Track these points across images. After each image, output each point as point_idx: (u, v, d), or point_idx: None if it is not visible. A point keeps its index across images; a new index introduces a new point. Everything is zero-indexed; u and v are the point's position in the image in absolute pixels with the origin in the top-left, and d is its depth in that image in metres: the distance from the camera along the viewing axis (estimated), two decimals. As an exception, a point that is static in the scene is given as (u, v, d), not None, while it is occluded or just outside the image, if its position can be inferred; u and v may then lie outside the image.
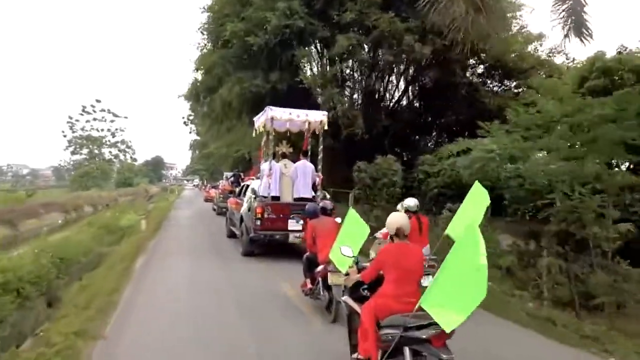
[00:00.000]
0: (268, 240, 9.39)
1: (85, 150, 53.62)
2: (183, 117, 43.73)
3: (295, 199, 9.97)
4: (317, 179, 9.92)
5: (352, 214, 5.17)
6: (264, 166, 9.95)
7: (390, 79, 19.39)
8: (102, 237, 13.90)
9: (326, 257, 5.30)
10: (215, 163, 41.01)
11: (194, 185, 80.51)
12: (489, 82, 19.02)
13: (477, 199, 4.80)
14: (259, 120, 10.30)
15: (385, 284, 3.82)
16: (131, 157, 60.86)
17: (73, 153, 54.27)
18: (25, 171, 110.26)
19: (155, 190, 55.91)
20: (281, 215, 9.41)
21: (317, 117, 9.82)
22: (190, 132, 46.30)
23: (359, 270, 4.33)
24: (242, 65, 16.79)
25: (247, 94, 16.06)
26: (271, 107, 9.59)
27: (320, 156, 10.09)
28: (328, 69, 16.98)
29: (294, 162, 10.46)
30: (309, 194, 10.07)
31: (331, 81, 15.93)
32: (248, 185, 11.49)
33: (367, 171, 13.63)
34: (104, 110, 54.37)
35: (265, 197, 9.60)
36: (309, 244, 6.33)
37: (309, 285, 6.24)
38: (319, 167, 10.02)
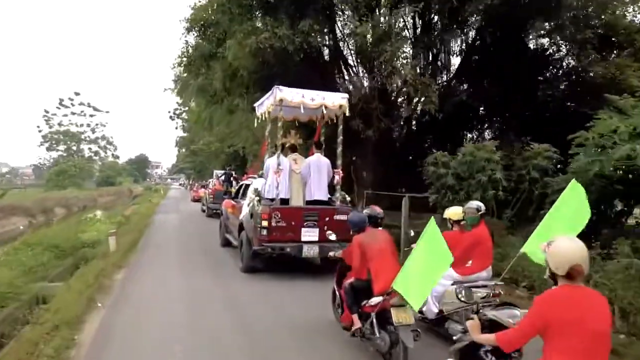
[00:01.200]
0: (276, 254, 7.47)
1: (62, 147, 50.72)
2: (169, 112, 41.62)
3: (307, 202, 8.08)
4: (337, 177, 8.01)
5: (434, 230, 3.38)
6: (270, 161, 8.03)
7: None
8: (46, 262, 9.96)
9: (386, 286, 3.93)
10: (204, 161, 38.65)
11: (180, 184, 77.97)
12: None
13: (573, 205, 3.45)
14: (263, 105, 8.35)
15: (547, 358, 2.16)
16: (113, 155, 58.13)
17: (49, 149, 51.37)
18: (5, 169, 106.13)
19: (140, 190, 53.33)
20: (293, 223, 7.50)
21: (336, 101, 7.90)
22: (176, 128, 44.18)
23: (488, 324, 2.57)
24: (256, 7, 11.78)
25: (265, 53, 10.53)
26: (279, 86, 7.66)
27: (339, 149, 8.19)
28: (381, 19, 11.09)
29: (306, 156, 8.60)
30: (325, 195, 8.18)
31: (390, 35, 10.28)
32: (248, 185, 9.57)
33: (450, 165, 9.06)
34: (84, 104, 51.65)
35: (272, 199, 7.69)
36: (355, 266, 4.50)
37: (357, 324, 4.40)
38: (338, 162, 8.12)
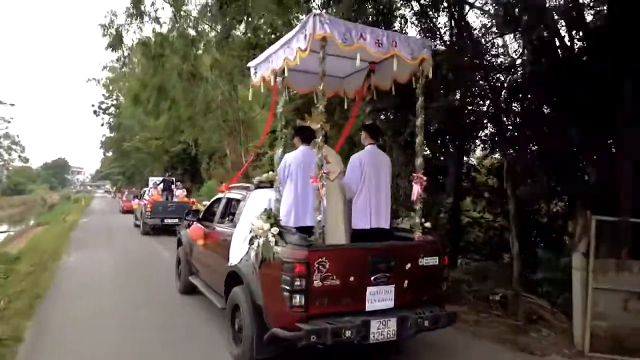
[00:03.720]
0: (323, 342, 3.75)
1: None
2: (93, 105, 35.36)
3: (356, 234, 4.51)
4: (416, 187, 4.41)
5: None
6: (293, 159, 4.41)
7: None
8: None
9: None
10: (137, 164, 32.74)
11: (105, 191, 69.81)
12: None
13: None
14: (274, 59, 4.60)
15: None
16: (20, 157, 49.72)
17: None
18: None
19: (56, 198, 45.70)
20: (351, 279, 3.85)
21: (416, 50, 4.36)
22: (102, 125, 37.73)
23: None
24: None
25: None
26: (319, 14, 3.97)
27: (418, 139, 4.52)
28: None
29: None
30: (388, 220, 4.63)
31: None
32: (231, 201, 5.82)
33: None
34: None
35: (308, 234, 4.02)
36: None
37: None
38: (418, 161, 4.48)
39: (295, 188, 4.42)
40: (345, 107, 5.88)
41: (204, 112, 12.53)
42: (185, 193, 18.61)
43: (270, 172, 5.46)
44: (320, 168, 3.93)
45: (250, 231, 4.44)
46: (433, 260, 4.23)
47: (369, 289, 3.92)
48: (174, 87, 12.70)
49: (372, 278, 3.92)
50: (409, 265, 4.10)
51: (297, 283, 3.65)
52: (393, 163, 4.99)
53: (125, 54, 12.95)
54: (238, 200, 5.50)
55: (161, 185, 18.27)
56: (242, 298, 4.40)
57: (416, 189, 4.38)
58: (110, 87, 32.95)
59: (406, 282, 4.08)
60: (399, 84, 5.07)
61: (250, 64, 5.22)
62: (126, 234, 16.57)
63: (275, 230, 4.01)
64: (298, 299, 3.67)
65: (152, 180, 22.35)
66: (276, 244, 3.94)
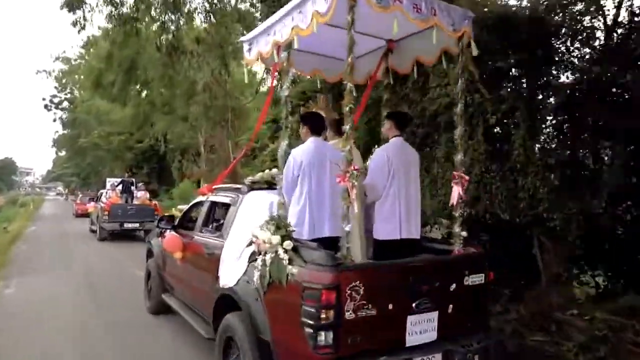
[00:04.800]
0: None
1: None
2: (44, 99, 32.74)
3: (379, 246, 3.68)
4: (457, 189, 3.59)
5: None
6: (302, 154, 3.52)
7: None
8: None
9: None
10: (94, 164, 30.04)
11: (57, 193, 65.73)
12: None
13: None
14: (275, 31, 3.69)
15: None
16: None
17: None
18: None
19: (1, 201, 42.16)
20: (390, 306, 2.99)
21: (458, 22, 3.56)
22: (54, 120, 34.92)
23: None
24: None
25: None
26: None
27: (459, 129, 3.65)
28: None
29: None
30: (419, 228, 3.81)
31: None
32: (216, 206, 4.87)
33: None
34: None
35: (334, 255, 3.09)
36: None
37: None
38: (457, 157, 3.63)
39: (309, 190, 3.52)
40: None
41: (186, 95, 10.38)
42: (147, 195, 17.23)
43: (266, 171, 4.54)
44: (350, 164, 3.04)
45: (250, 244, 3.51)
46: (479, 278, 3.44)
47: (410, 319, 3.08)
48: (149, 64, 10.58)
49: (413, 304, 3.08)
50: (453, 286, 3.30)
51: (325, 316, 2.75)
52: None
53: (88, 16, 9.87)
54: (227, 205, 4.52)
55: (120, 187, 16.89)
56: (240, 329, 3.44)
57: (456, 191, 3.57)
58: (64, 80, 30.51)
59: (450, 306, 3.27)
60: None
61: (244, 38, 4.26)
62: (81, 241, 14.94)
63: (288, 244, 3.09)
64: (324, 337, 2.77)
65: (110, 181, 20.76)
66: (290, 262, 3.03)
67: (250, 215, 3.94)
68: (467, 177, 3.60)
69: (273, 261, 3.11)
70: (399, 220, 3.63)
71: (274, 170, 4.49)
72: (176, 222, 5.56)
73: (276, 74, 4.04)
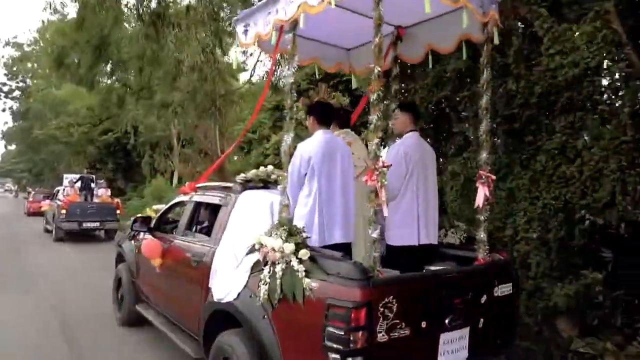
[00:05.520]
0: None
1: None
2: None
3: (390, 252, 3.29)
4: (483, 190, 3.25)
5: None
6: (311, 149, 3.08)
7: None
8: None
9: None
10: (48, 159, 27.71)
11: (6, 189, 61.71)
12: None
13: None
14: (279, 11, 3.21)
15: None
16: None
17: None
18: None
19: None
20: (424, 324, 2.60)
21: (486, 4, 3.22)
22: (3, 110, 32.45)
23: None
24: None
25: None
26: None
27: (484, 124, 3.24)
28: None
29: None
30: (436, 233, 3.46)
31: None
32: (201, 207, 4.36)
33: None
34: None
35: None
36: None
37: None
38: (482, 156, 3.28)
39: (319, 190, 3.08)
40: (353, 87, 4.61)
41: (170, 76, 9.07)
42: (108, 192, 16.23)
43: (261, 168, 4.05)
44: (377, 160, 2.63)
45: (250, 251, 3.05)
46: (508, 289, 3.12)
47: (442, 337, 2.70)
48: (127, 37, 8.93)
49: (446, 321, 2.70)
50: (484, 298, 2.95)
51: (354, 339, 2.33)
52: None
53: None
54: (216, 206, 4.00)
55: (79, 184, 15.81)
56: (241, 351, 2.96)
57: (482, 193, 3.22)
58: (14, 68, 28.22)
59: (481, 321, 2.93)
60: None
61: (238, 17, 3.76)
62: (35, 242, 13.73)
63: (304, 254, 2.64)
64: (353, 364, 2.34)
65: (68, 177, 19.41)
66: (307, 274, 2.58)
67: (247, 218, 3.47)
68: (493, 177, 3.26)
69: (285, 273, 2.66)
70: (417, 224, 3.26)
71: (270, 167, 4.04)
72: (152, 224, 4.97)
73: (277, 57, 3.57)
